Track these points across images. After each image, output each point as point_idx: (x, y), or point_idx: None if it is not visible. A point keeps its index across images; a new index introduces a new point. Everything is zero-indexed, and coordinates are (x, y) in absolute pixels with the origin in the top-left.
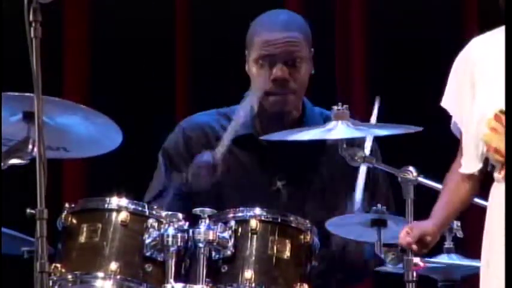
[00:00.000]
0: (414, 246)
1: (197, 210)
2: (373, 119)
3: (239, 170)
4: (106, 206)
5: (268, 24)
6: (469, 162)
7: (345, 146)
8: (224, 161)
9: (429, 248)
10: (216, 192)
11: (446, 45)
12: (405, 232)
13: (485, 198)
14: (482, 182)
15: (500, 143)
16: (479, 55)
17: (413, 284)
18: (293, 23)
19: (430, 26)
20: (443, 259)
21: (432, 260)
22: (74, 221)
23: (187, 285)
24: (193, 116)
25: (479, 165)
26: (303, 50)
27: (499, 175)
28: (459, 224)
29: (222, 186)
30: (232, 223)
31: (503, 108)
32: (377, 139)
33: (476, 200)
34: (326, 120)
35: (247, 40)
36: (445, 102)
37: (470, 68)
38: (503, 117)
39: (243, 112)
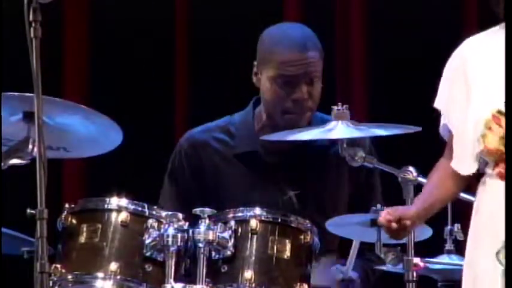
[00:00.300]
0: (394, 225)
1: (197, 210)
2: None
3: (241, 187)
4: (106, 206)
5: (286, 43)
6: (465, 164)
7: (345, 146)
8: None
9: (407, 232)
10: (218, 207)
11: (446, 45)
12: (386, 212)
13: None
14: (469, 180)
15: (494, 143)
16: (472, 55)
17: (413, 284)
18: (310, 41)
19: (430, 26)
20: (443, 259)
21: (432, 260)
22: (74, 221)
23: (187, 285)
24: (193, 132)
25: (476, 166)
26: (320, 69)
27: (492, 171)
28: (459, 227)
29: (225, 202)
30: (232, 223)
31: (501, 108)
32: (377, 139)
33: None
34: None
35: (260, 55)
36: (438, 103)
37: (463, 67)
38: (501, 118)
39: None
